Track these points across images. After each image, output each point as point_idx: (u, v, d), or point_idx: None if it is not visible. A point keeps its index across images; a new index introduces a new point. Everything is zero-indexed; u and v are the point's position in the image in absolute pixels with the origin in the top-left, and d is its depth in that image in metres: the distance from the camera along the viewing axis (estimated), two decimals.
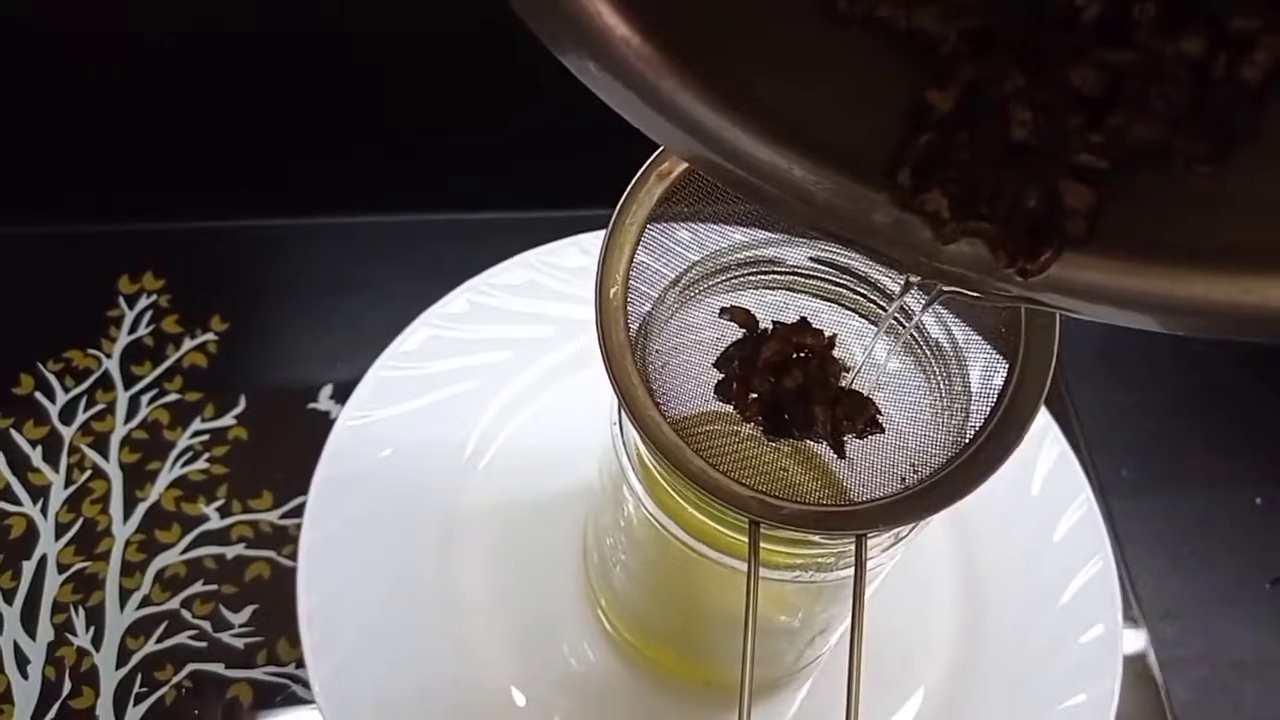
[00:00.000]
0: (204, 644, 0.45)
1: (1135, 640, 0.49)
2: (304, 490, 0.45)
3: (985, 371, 0.31)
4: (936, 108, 0.19)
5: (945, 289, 0.22)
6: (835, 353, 0.34)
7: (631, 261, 0.31)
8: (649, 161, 0.31)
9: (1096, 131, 0.18)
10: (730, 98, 0.20)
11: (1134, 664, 0.48)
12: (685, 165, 0.31)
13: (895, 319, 0.34)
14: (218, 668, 0.45)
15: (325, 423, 0.49)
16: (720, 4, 0.19)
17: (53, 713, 0.44)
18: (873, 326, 0.35)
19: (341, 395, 0.51)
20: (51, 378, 0.51)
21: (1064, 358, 0.57)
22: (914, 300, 0.34)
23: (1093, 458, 0.54)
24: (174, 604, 0.46)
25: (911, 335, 0.34)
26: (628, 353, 0.30)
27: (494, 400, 0.48)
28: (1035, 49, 0.17)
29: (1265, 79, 0.16)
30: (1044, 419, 0.48)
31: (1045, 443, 0.47)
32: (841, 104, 0.20)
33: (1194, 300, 0.18)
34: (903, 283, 0.32)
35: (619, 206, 0.31)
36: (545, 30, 0.19)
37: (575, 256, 0.50)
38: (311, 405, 0.51)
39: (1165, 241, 0.18)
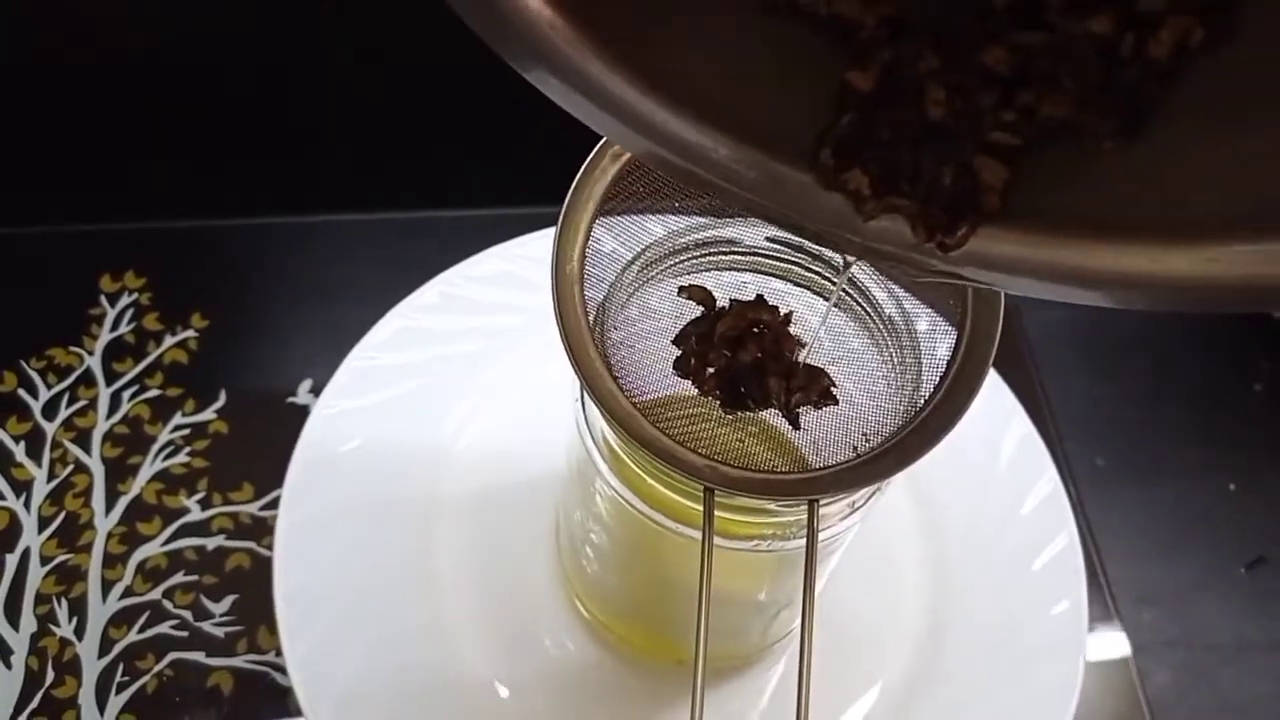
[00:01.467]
0: (185, 633, 0.46)
1: (1111, 626, 0.49)
2: (283, 482, 0.46)
3: (935, 342, 0.32)
4: (856, 89, 0.19)
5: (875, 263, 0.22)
6: (791, 329, 0.35)
7: (587, 239, 0.32)
8: (601, 142, 0.32)
9: (1008, 110, 0.18)
10: (659, 82, 0.20)
11: (1110, 650, 0.49)
12: None
13: (846, 293, 0.35)
14: (199, 656, 0.46)
15: (304, 416, 0.50)
16: None
17: (35, 702, 0.44)
18: (826, 302, 0.35)
19: (320, 390, 0.51)
20: (34, 375, 0.52)
21: (1036, 349, 0.58)
22: (866, 276, 0.35)
23: (1065, 447, 0.55)
24: (155, 594, 0.47)
25: (865, 310, 0.35)
26: (584, 328, 0.31)
27: (466, 389, 0.48)
28: (950, 32, 0.18)
29: (1171, 57, 0.17)
30: (1010, 399, 0.48)
31: (1012, 422, 0.48)
32: (768, 87, 0.21)
33: (1104, 270, 0.19)
34: (841, 261, 0.33)
35: (574, 185, 0.32)
36: (476, 22, 0.20)
37: (546, 248, 0.50)
38: (290, 399, 0.52)
39: (1078, 215, 0.19)
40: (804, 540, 0.33)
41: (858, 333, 0.35)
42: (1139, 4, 0.16)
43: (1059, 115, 0.18)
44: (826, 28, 0.19)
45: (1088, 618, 0.44)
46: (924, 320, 0.33)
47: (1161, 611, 0.53)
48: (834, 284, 0.35)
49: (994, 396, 0.48)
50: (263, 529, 0.48)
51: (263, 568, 0.47)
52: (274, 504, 0.49)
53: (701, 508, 0.30)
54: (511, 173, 0.58)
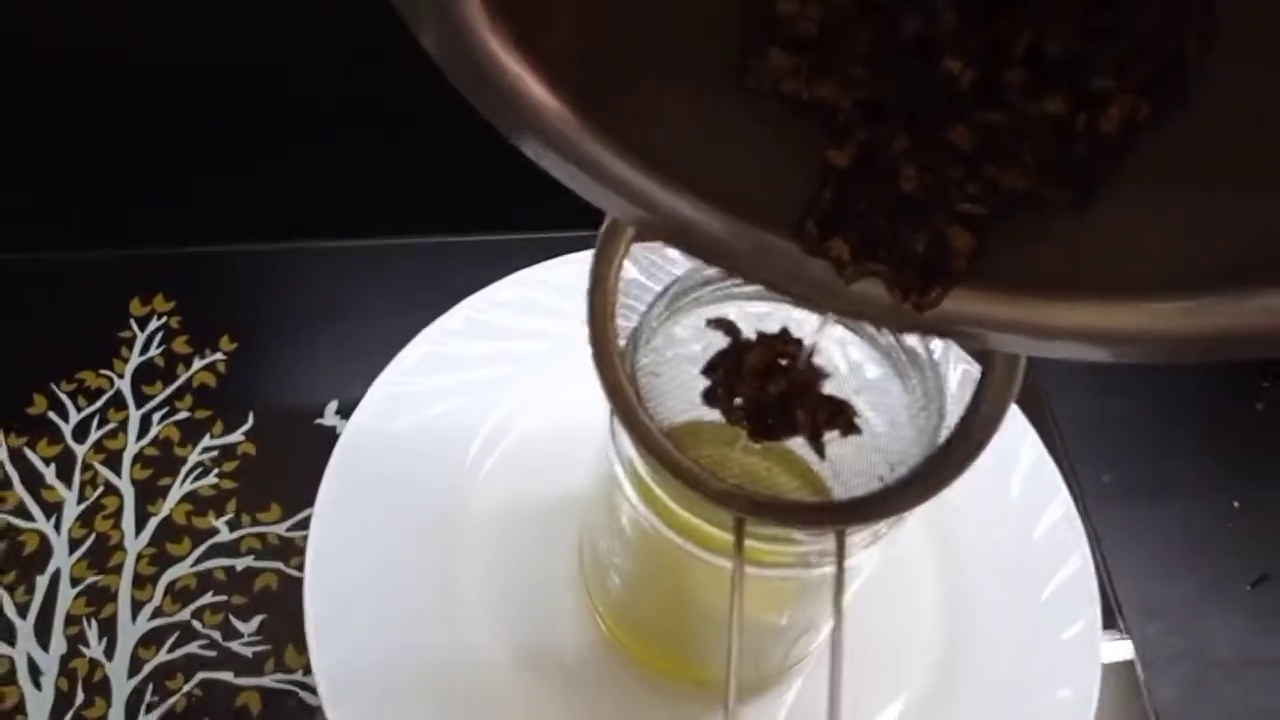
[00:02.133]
0: (214, 653, 0.47)
1: (1118, 642, 0.50)
2: (311, 503, 0.46)
3: (958, 375, 0.33)
4: (835, 166, 0.21)
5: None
6: (816, 360, 0.36)
7: (620, 273, 0.33)
8: None
9: (974, 183, 0.20)
10: (657, 162, 0.22)
11: (1117, 665, 0.49)
12: None
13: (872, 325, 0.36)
14: (227, 676, 0.46)
15: (331, 438, 0.51)
16: (644, 81, 0.22)
17: None
18: (851, 334, 0.36)
19: (347, 411, 0.52)
20: (64, 398, 0.52)
21: (1043, 368, 0.59)
22: None
23: (1073, 465, 0.55)
24: (184, 615, 0.48)
25: (889, 342, 0.36)
26: (618, 360, 0.32)
27: (492, 413, 0.49)
28: (920, 112, 0.20)
29: (1120, 132, 0.18)
30: (1021, 423, 0.49)
31: (1023, 447, 0.49)
32: (758, 164, 0.22)
33: (1063, 326, 0.21)
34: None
35: (608, 220, 0.33)
36: (482, 103, 0.21)
37: (570, 274, 0.52)
38: (318, 421, 0.53)
39: (1040, 275, 0.21)
40: (827, 568, 0.34)
41: (882, 364, 0.36)
42: (1090, 84, 0.18)
43: (1020, 187, 0.20)
44: (808, 111, 0.20)
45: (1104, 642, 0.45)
46: (948, 352, 0.34)
47: (1167, 627, 0.54)
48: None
49: (1007, 419, 0.49)
50: (291, 549, 0.49)
51: (290, 588, 0.48)
52: (302, 525, 0.50)
53: (728, 535, 0.31)
54: (527, 199, 0.59)
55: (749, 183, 0.22)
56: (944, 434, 0.32)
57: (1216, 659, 0.54)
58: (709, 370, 0.35)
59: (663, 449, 0.31)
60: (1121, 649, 0.50)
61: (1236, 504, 0.58)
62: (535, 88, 0.21)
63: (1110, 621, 0.50)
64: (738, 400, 0.35)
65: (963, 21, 0.18)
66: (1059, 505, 0.48)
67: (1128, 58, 0.18)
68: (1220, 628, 0.54)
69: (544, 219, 0.58)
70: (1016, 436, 0.49)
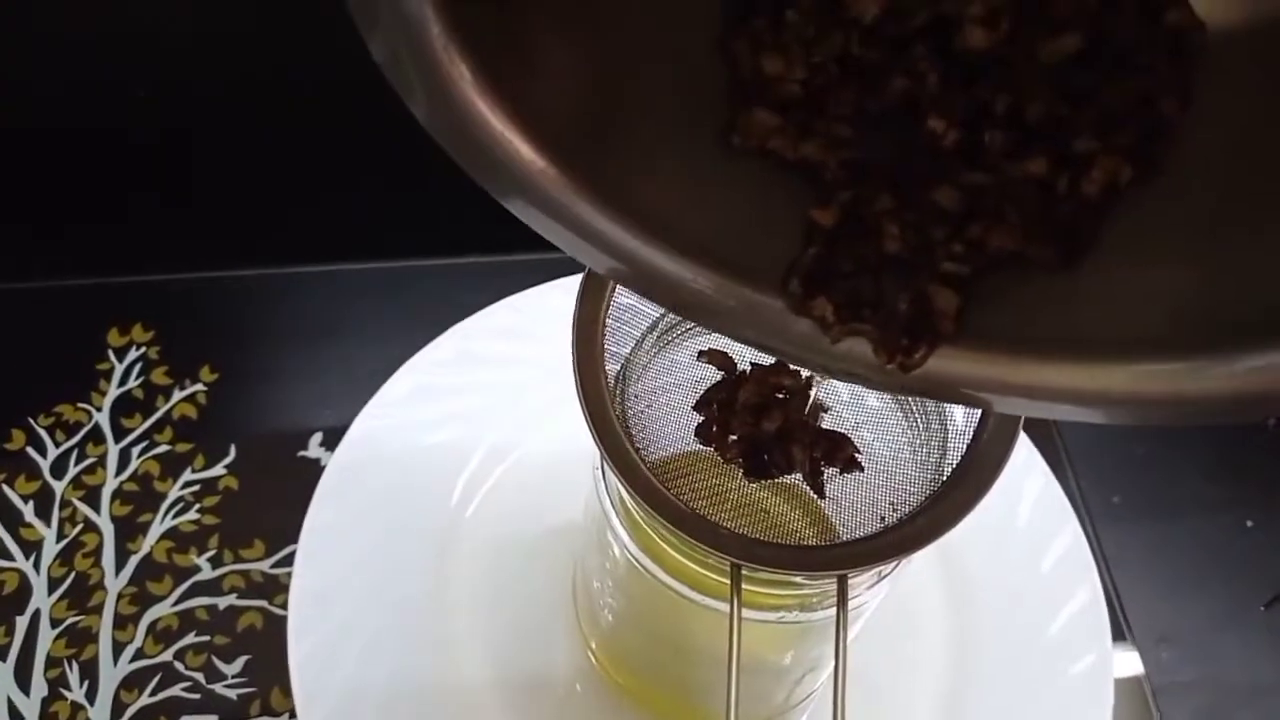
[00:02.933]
0: (197, 695, 0.45)
1: (1130, 666, 0.49)
2: (295, 538, 0.45)
3: (960, 410, 0.32)
4: (820, 225, 0.21)
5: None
6: (812, 393, 0.34)
7: (607, 307, 0.31)
8: None
9: (958, 242, 0.20)
10: (641, 219, 0.22)
11: (1129, 690, 0.48)
12: None
13: None
14: (212, 719, 0.45)
15: (315, 470, 0.50)
16: (632, 140, 0.22)
17: None
18: None
19: (331, 443, 0.51)
20: (42, 432, 0.51)
21: None
22: None
23: (1081, 486, 0.54)
24: (167, 656, 0.46)
25: None
26: (606, 398, 0.30)
27: (481, 445, 0.48)
28: (905, 172, 0.20)
29: (1103, 193, 0.19)
30: (1027, 450, 0.48)
31: (1031, 475, 0.48)
32: (743, 222, 0.22)
33: (1049, 387, 0.20)
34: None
35: None
36: (466, 163, 0.21)
37: (559, 300, 0.50)
38: (301, 453, 0.51)
39: (1027, 335, 0.21)
40: (829, 610, 0.33)
41: (881, 398, 0.35)
42: (1074, 145, 0.18)
43: (1005, 246, 0.20)
44: (794, 169, 0.21)
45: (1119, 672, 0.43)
46: None
47: (1180, 651, 0.52)
48: None
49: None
50: (275, 587, 0.48)
51: (275, 626, 0.47)
52: (286, 561, 0.48)
53: (724, 579, 0.30)
54: (510, 221, 0.58)
55: (735, 241, 0.22)
56: (947, 470, 0.31)
57: (1231, 683, 0.52)
58: (702, 405, 0.34)
59: (654, 493, 0.29)
60: (1134, 674, 0.48)
61: (1250, 523, 0.56)
62: (521, 148, 0.21)
63: (1123, 647, 0.49)
64: (733, 437, 0.33)
65: (945, 83, 0.19)
66: (1068, 534, 0.46)
67: (1109, 119, 0.18)
68: (1234, 651, 0.53)
69: (532, 240, 0.57)
70: (1023, 463, 0.48)
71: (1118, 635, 0.48)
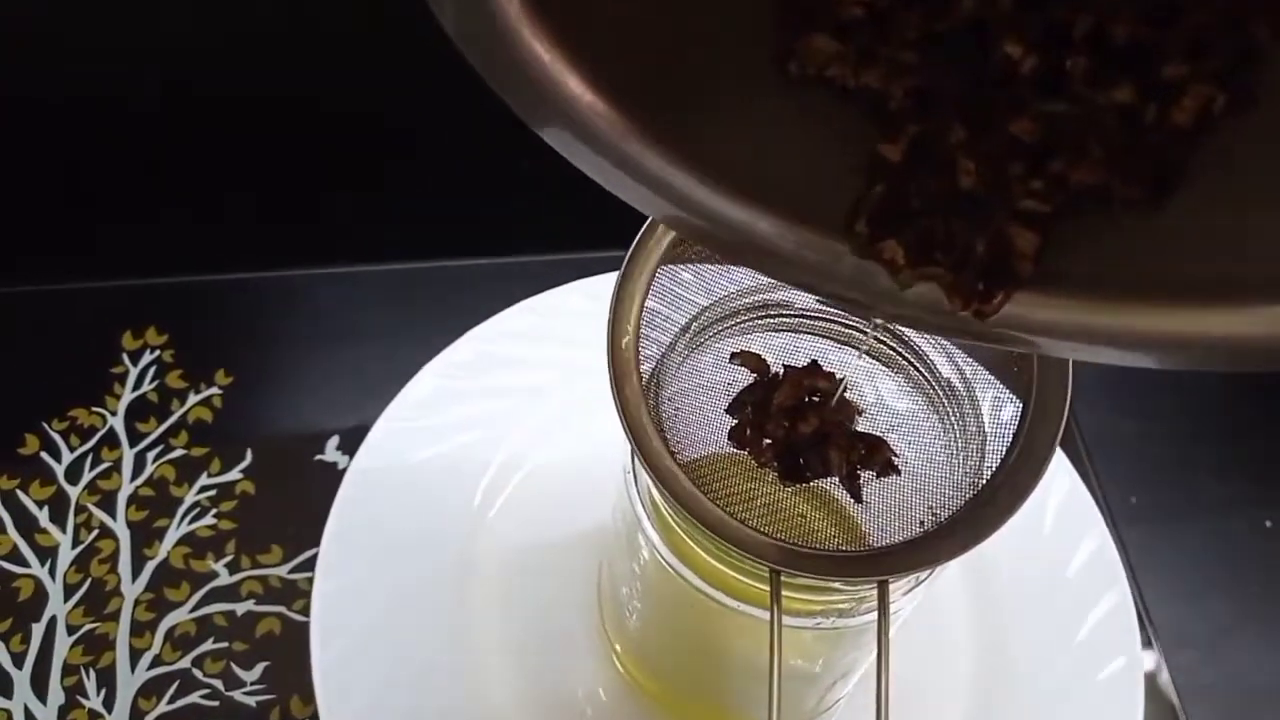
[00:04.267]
0: (216, 703, 0.45)
1: (1153, 668, 0.48)
2: (313, 543, 0.45)
3: (998, 410, 0.31)
4: (887, 160, 0.19)
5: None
6: (847, 395, 0.34)
7: (641, 310, 0.31)
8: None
9: (1038, 178, 0.19)
10: (696, 159, 0.21)
11: (1153, 693, 0.48)
12: None
13: (905, 358, 0.34)
14: None
15: (333, 474, 0.49)
16: (680, 71, 0.20)
17: None
18: (883, 367, 0.35)
19: (348, 446, 0.50)
20: (57, 437, 0.51)
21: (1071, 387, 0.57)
22: (924, 341, 0.34)
23: (1102, 487, 0.54)
24: (185, 663, 0.46)
25: (923, 375, 0.34)
26: (641, 402, 0.30)
27: (502, 447, 0.48)
28: (977, 102, 0.18)
29: (1194, 122, 0.17)
30: (1056, 453, 0.47)
31: (1057, 477, 0.47)
32: (802, 159, 0.21)
33: (1140, 333, 0.19)
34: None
35: (628, 256, 0.31)
36: (518, 102, 0.20)
37: (579, 301, 0.50)
38: (319, 457, 0.51)
39: (1112, 277, 0.19)
40: (864, 617, 0.32)
41: (916, 399, 0.34)
42: (1163, 72, 0.17)
43: (1089, 181, 0.18)
44: (855, 100, 0.19)
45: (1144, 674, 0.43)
46: (986, 386, 0.32)
47: (1202, 653, 0.52)
48: (894, 349, 0.34)
49: None
50: (293, 592, 0.47)
51: (294, 632, 0.46)
52: (304, 566, 0.48)
53: (759, 585, 0.30)
54: (524, 222, 0.58)
55: (796, 180, 0.21)
56: (986, 474, 0.30)
57: (1251, 685, 0.52)
58: (735, 409, 0.34)
59: (691, 498, 0.29)
60: (1158, 677, 0.48)
61: (1269, 523, 0.56)
62: (575, 86, 0.20)
63: (1144, 648, 0.48)
64: (767, 440, 0.33)
65: (1020, 3, 0.17)
66: (1095, 537, 0.46)
67: (1199, 44, 0.16)
68: (1256, 652, 0.53)
69: (551, 241, 0.57)
70: (1051, 466, 0.47)
71: (1141, 637, 0.48)
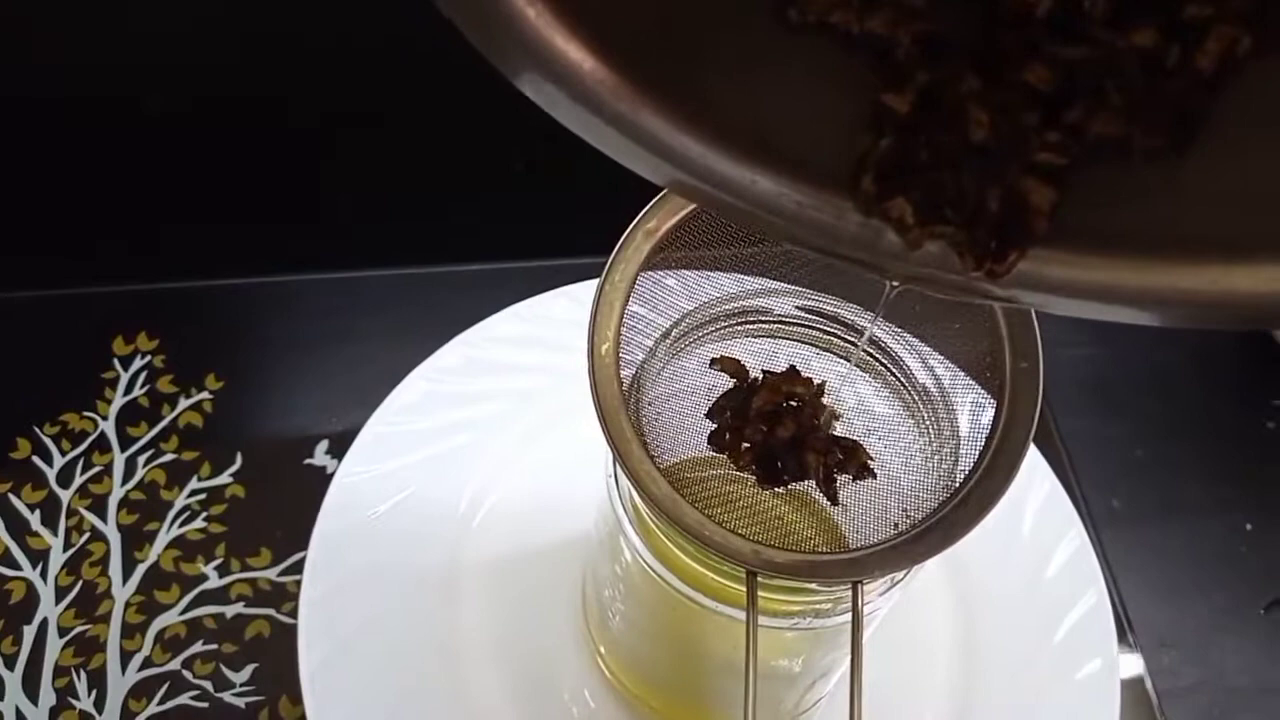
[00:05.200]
0: (206, 704, 0.45)
1: (1132, 669, 0.49)
2: (302, 547, 0.45)
3: (973, 413, 0.32)
4: (894, 111, 0.19)
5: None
6: (824, 399, 0.34)
7: (622, 317, 0.32)
8: (636, 220, 0.32)
9: (1054, 129, 0.18)
10: (691, 115, 0.20)
11: (1132, 693, 0.48)
12: (672, 223, 0.32)
13: (879, 361, 0.35)
14: None
15: (322, 478, 0.50)
16: (673, 24, 0.20)
17: None
18: (860, 372, 0.35)
19: (337, 450, 0.51)
20: (48, 441, 0.51)
21: (1049, 391, 0.58)
22: (900, 346, 0.35)
23: (1082, 489, 0.54)
24: (175, 665, 0.46)
25: (899, 379, 0.35)
26: (621, 408, 0.30)
27: (490, 452, 0.48)
28: (989, 49, 0.17)
29: (1218, 67, 0.16)
30: (1033, 455, 0.48)
31: (1035, 479, 0.48)
32: (803, 113, 0.20)
33: (1162, 290, 0.18)
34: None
35: (608, 264, 0.31)
36: (504, 60, 0.19)
37: (566, 307, 0.51)
38: (308, 461, 0.51)
39: (1131, 234, 0.18)
40: (840, 617, 0.33)
41: (892, 403, 0.35)
42: (1185, 11, 0.16)
43: (1109, 133, 0.17)
44: (860, 48, 0.18)
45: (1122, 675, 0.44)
46: (963, 390, 0.33)
47: (1182, 654, 0.53)
48: (871, 355, 0.35)
49: None
50: (282, 595, 0.48)
51: (283, 635, 0.47)
52: (293, 569, 0.48)
53: (737, 586, 0.30)
54: (514, 227, 0.58)
55: (797, 135, 0.20)
56: (960, 476, 0.31)
57: (1232, 686, 0.53)
58: (715, 413, 0.34)
59: (669, 501, 0.29)
60: (1137, 678, 0.49)
61: (1249, 526, 0.57)
62: (565, 45, 0.19)
63: (1125, 650, 0.49)
64: (745, 444, 0.34)
65: None
66: (1073, 540, 0.46)
67: None
68: (1235, 653, 0.53)
69: (540, 246, 0.57)
70: (1028, 469, 0.47)
71: (1120, 639, 0.48)
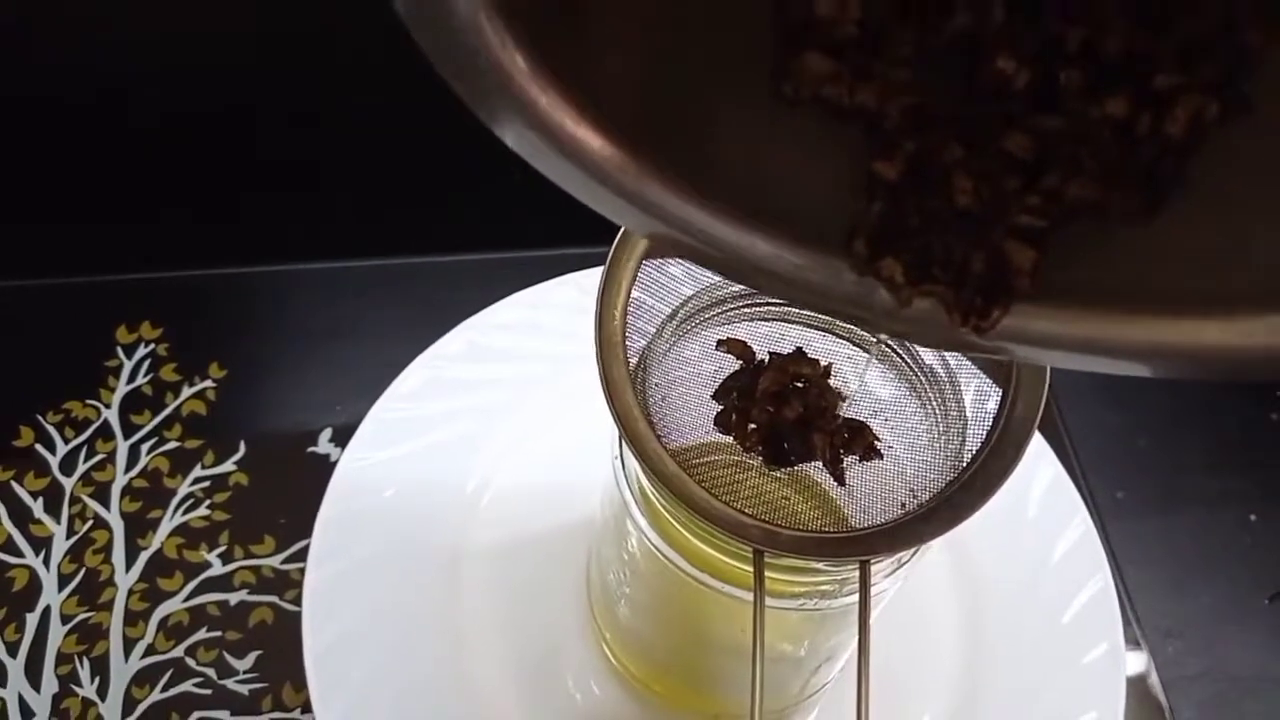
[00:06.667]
0: (209, 691, 0.45)
1: (1137, 660, 0.49)
2: (305, 534, 0.45)
3: (980, 395, 0.32)
4: (884, 178, 0.20)
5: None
6: (831, 381, 0.34)
7: (629, 296, 0.32)
8: None
9: (1033, 193, 0.19)
10: (692, 183, 0.21)
11: (1137, 684, 0.48)
12: None
13: (886, 345, 0.35)
14: (223, 715, 0.45)
15: (325, 466, 0.50)
16: (675, 99, 0.20)
17: None
18: (866, 354, 0.35)
19: (341, 438, 0.51)
20: (51, 429, 0.51)
21: (1055, 381, 0.58)
22: None
23: (1087, 480, 0.54)
24: (178, 652, 0.46)
25: (906, 362, 0.35)
26: (628, 386, 0.30)
27: (494, 438, 0.48)
28: (972, 119, 0.18)
29: (1187, 132, 0.17)
30: (1038, 442, 0.48)
31: (1040, 465, 0.48)
32: (799, 179, 0.21)
33: (1139, 344, 0.19)
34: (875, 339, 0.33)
35: (615, 243, 0.31)
36: (516, 140, 0.20)
37: (570, 294, 0.50)
38: (311, 449, 0.51)
39: (1110, 290, 0.19)
40: (847, 599, 0.33)
41: (899, 385, 0.35)
42: (1154, 81, 0.17)
43: (1085, 196, 0.18)
44: (852, 119, 0.19)
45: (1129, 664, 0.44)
46: (969, 373, 0.33)
47: (1186, 644, 0.53)
48: (874, 337, 0.35)
49: None
50: (285, 582, 0.48)
51: (286, 622, 0.47)
52: (296, 557, 0.48)
53: (744, 566, 0.30)
54: (518, 217, 0.58)
55: (793, 200, 0.21)
56: (967, 457, 0.31)
57: (1236, 675, 0.53)
58: (721, 394, 0.34)
59: (676, 480, 0.29)
60: (1141, 668, 0.48)
61: (1253, 517, 0.57)
62: (577, 127, 0.20)
63: (1129, 640, 0.49)
64: (752, 425, 0.33)
65: (1012, 17, 0.17)
66: (1078, 525, 0.46)
67: (1190, 53, 0.17)
68: (1240, 644, 0.53)
69: (542, 236, 0.57)
70: (1033, 455, 0.47)
71: (1124, 629, 0.48)
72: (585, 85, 0.20)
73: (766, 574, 0.31)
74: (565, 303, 0.50)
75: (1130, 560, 0.53)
